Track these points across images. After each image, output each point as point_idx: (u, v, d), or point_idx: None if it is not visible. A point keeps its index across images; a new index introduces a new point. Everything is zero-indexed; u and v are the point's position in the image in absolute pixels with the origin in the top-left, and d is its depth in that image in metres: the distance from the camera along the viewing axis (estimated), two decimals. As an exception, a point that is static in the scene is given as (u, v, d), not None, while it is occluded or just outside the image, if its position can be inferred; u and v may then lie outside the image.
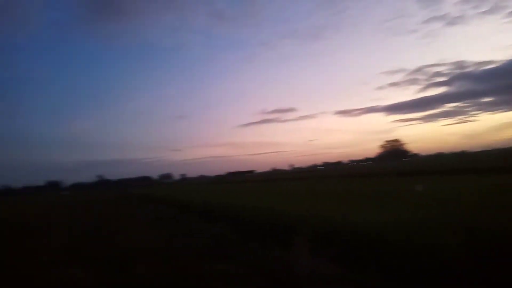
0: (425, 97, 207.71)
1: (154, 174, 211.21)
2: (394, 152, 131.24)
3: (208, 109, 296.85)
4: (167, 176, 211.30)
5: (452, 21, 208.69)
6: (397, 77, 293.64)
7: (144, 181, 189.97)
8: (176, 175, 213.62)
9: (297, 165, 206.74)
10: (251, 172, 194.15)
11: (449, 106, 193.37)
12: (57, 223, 16.10)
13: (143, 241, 8.88)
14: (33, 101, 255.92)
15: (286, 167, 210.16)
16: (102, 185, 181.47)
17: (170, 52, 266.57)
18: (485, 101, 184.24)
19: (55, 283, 5.62)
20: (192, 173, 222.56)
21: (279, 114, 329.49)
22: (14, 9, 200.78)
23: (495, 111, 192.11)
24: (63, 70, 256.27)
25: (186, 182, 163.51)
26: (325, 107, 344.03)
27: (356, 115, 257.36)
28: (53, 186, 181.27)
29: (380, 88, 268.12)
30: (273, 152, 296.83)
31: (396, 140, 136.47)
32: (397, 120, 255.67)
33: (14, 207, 45.59)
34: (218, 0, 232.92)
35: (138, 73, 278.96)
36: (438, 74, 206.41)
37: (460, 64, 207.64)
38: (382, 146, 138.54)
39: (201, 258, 6.62)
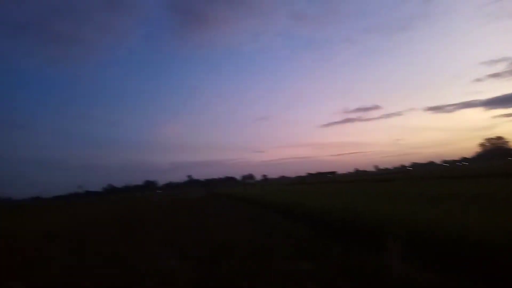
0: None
1: (238, 174, 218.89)
2: (496, 151, 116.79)
3: (289, 110, 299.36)
4: (249, 177, 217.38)
5: None
6: (499, 67, 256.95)
7: (228, 181, 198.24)
8: (258, 176, 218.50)
9: (382, 166, 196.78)
10: (333, 173, 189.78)
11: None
12: (156, 218, 17.83)
13: (233, 237, 9.38)
14: (133, 109, 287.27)
15: (370, 168, 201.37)
16: (191, 184, 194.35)
17: (252, 55, 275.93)
18: None
19: (158, 274, 6.27)
20: (273, 174, 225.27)
21: (362, 112, 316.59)
22: (114, 26, 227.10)
23: None
24: (157, 78, 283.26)
25: (267, 182, 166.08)
26: (413, 103, 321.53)
27: (449, 111, 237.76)
28: (150, 185, 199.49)
29: (478, 80, 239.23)
30: (356, 153, 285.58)
31: (498, 138, 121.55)
32: (500, 115, 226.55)
33: (118, 204, 51.38)
34: (297, 1, 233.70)
35: (223, 78, 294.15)
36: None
37: None
38: (482, 145, 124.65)
39: (286, 256, 6.80)
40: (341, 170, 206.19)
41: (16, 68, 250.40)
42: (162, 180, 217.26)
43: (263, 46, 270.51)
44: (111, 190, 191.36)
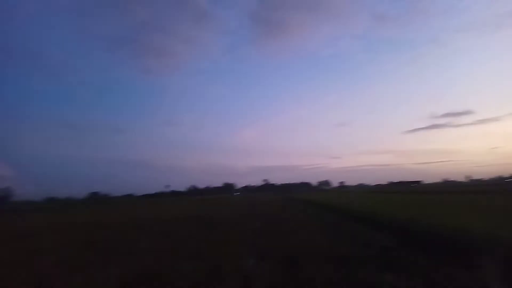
0: None
1: (313, 180, 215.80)
2: None
3: (370, 115, 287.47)
4: (325, 183, 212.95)
5: None
6: None
7: (303, 187, 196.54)
8: (335, 183, 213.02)
9: (476, 177, 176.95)
10: (417, 182, 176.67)
11: None
12: (234, 220, 18.47)
13: (310, 243, 9.27)
14: (216, 115, 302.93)
15: (461, 179, 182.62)
16: (267, 188, 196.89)
17: (330, 60, 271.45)
18: None
19: (238, 272, 6.49)
20: (351, 181, 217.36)
21: (452, 118, 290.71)
22: (199, 39, 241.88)
23: None
24: (238, 86, 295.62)
25: (344, 189, 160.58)
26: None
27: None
28: (228, 188, 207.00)
29: None
30: (445, 161, 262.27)
31: None
32: None
33: (199, 204, 54.23)
34: (379, 2, 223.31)
35: (300, 83, 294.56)
36: None
37: None
38: None
39: (367, 266, 6.52)
40: (427, 179, 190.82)
41: (114, 78, 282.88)
42: (240, 183, 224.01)
43: (342, 50, 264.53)
44: (193, 191, 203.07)
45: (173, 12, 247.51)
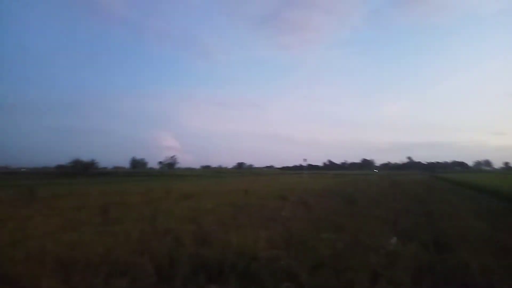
0: None
1: (469, 160, 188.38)
2: None
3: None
4: (484, 163, 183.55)
5: None
6: None
7: (456, 167, 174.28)
8: (497, 163, 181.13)
9: None
10: None
11: None
12: (375, 197, 17.81)
13: (462, 229, 8.25)
14: (357, 88, 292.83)
15: None
16: (411, 166, 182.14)
17: (496, 18, 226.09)
18: None
19: (381, 250, 6.28)
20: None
21: None
22: (337, 8, 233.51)
23: None
24: (381, 56, 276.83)
25: (510, 171, 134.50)
26: None
27: None
28: (366, 164, 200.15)
29: None
30: None
31: None
32: None
33: (337, 179, 54.15)
34: None
35: (457, 48, 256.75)
36: None
37: None
38: None
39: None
40: None
41: (257, 56, 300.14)
42: (379, 159, 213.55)
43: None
44: (330, 165, 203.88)
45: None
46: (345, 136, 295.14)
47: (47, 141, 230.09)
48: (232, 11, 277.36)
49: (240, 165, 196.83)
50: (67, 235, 7.53)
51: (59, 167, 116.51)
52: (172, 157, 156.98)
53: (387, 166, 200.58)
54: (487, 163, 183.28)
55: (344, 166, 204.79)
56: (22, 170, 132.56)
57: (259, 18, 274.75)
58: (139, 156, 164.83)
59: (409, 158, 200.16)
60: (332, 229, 8.12)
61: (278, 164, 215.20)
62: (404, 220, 9.85)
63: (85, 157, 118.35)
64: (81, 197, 17.75)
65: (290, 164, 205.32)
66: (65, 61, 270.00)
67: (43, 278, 4.63)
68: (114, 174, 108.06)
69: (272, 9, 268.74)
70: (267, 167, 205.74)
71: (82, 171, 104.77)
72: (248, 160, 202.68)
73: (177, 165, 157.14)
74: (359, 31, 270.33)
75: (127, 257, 5.58)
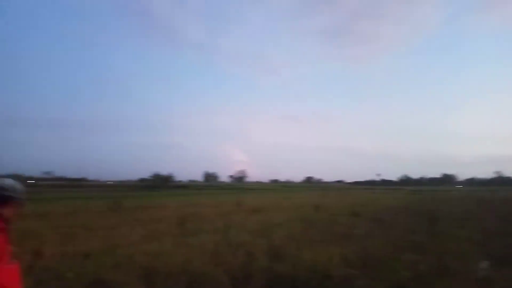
0: None
1: None
2: None
3: None
4: None
5: None
6: None
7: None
8: None
9: None
10: None
11: None
12: (458, 215, 16.25)
13: None
14: (432, 97, 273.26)
15: None
16: (501, 182, 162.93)
17: None
18: None
19: (470, 275, 5.73)
20: None
21: None
22: (409, 17, 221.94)
23: None
24: (457, 62, 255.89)
25: None
26: None
27: None
28: (447, 179, 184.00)
29: None
30: None
31: None
32: None
33: (414, 195, 50.58)
34: None
35: None
36: None
37: None
38: None
39: None
40: None
41: (325, 69, 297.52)
42: (462, 174, 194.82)
43: None
44: (406, 181, 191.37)
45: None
46: (422, 149, 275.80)
47: (132, 156, 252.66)
48: (299, 27, 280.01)
49: (309, 179, 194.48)
50: (150, 245, 8.11)
51: (141, 180, 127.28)
52: (241, 171, 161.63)
53: (471, 182, 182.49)
54: None
55: (421, 181, 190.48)
56: (108, 183, 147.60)
57: (327, 32, 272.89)
58: (211, 170, 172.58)
59: (497, 172, 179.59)
60: (412, 249, 7.59)
61: (348, 179, 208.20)
62: (495, 242, 8.84)
63: (164, 171, 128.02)
64: (161, 209, 19.00)
65: (362, 179, 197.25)
66: (142, 83, 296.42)
67: (131, 285, 5.04)
68: (189, 187, 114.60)
69: (339, 22, 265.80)
70: (337, 181, 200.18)
71: (161, 184, 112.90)
72: (316, 174, 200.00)
73: (247, 179, 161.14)
74: (433, 38, 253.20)
75: (204, 268, 5.83)
